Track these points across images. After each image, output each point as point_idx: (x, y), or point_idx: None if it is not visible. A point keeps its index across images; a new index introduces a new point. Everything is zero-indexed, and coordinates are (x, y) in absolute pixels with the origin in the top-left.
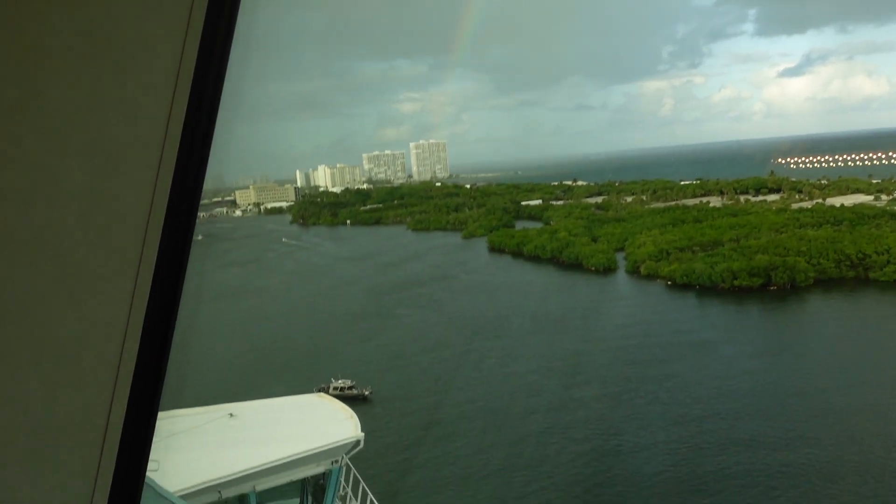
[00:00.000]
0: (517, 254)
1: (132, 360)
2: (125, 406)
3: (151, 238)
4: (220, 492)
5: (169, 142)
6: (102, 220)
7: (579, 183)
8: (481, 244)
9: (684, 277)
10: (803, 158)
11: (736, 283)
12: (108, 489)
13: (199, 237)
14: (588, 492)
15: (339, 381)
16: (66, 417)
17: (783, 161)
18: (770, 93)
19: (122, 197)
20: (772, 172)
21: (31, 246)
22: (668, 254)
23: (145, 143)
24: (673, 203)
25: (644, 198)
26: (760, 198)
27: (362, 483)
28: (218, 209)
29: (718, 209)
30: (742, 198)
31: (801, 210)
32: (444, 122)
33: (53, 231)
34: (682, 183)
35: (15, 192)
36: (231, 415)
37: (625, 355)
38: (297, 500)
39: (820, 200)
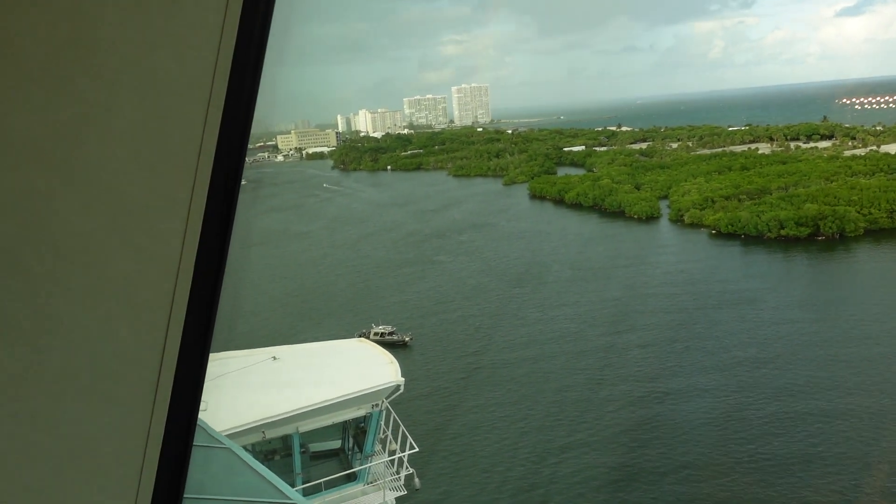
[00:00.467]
0: (558, 201)
1: (185, 297)
2: (179, 343)
3: (202, 174)
4: (264, 432)
5: (218, 79)
6: (154, 157)
7: (623, 129)
8: (522, 191)
9: (729, 226)
10: (862, 99)
11: (783, 232)
12: (163, 425)
13: (244, 182)
14: (632, 436)
15: (380, 327)
16: (122, 353)
17: (841, 102)
18: (826, 34)
19: (173, 134)
20: (825, 118)
21: (85, 183)
22: (713, 202)
23: (195, 81)
24: (720, 150)
25: (690, 144)
26: (811, 144)
27: (402, 426)
28: (260, 154)
29: (767, 156)
30: (792, 144)
31: (853, 157)
32: (486, 65)
33: (106, 168)
34: (730, 129)
35: (68, 129)
36: (274, 358)
37: (667, 304)
38: (339, 441)
39: (874, 147)
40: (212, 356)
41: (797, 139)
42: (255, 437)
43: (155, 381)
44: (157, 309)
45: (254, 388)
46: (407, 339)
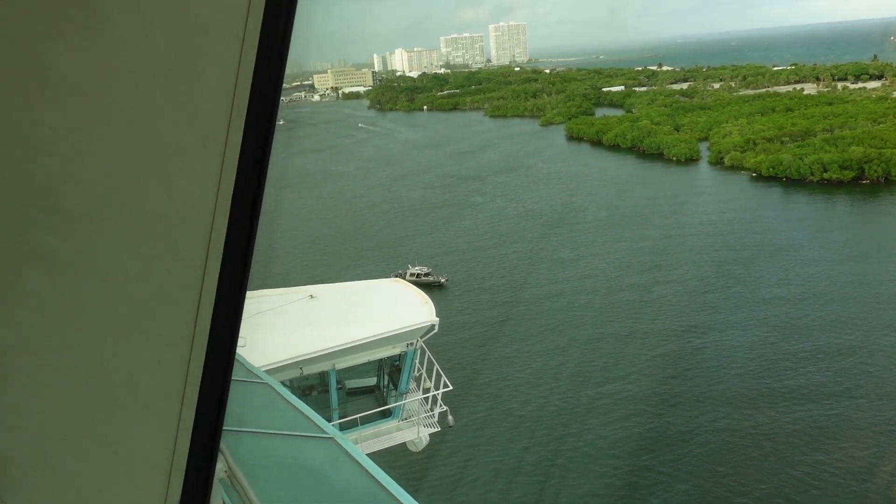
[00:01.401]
0: (596, 142)
1: (222, 236)
2: (216, 280)
3: (237, 113)
4: (301, 369)
5: (252, 14)
6: (188, 96)
7: (664, 68)
8: (559, 132)
9: (770, 169)
10: None
11: (826, 175)
12: (202, 361)
13: (281, 122)
14: (669, 384)
15: (416, 268)
16: (160, 291)
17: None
18: None
19: (208, 72)
20: (875, 57)
21: (120, 121)
22: (754, 144)
23: (229, 17)
24: (763, 90)
25: (733, 84)
26: (860, 85)
27: (436, 365)
28: (296, 94)
29: (813, 97)
30: (840, 85)
31: None
32: (524, 2)
33: (142, 106)
34: (776, 69)
35: (103, 66)
36: (311, 296)
37: (705, 251)
38: (374, 379)
39: None
40: (249, 294)
41: (845, 79)
42: (293, 373)
43: (193, 317)
44: (195, 247)
45: (291, 325)
46: (443, 280)
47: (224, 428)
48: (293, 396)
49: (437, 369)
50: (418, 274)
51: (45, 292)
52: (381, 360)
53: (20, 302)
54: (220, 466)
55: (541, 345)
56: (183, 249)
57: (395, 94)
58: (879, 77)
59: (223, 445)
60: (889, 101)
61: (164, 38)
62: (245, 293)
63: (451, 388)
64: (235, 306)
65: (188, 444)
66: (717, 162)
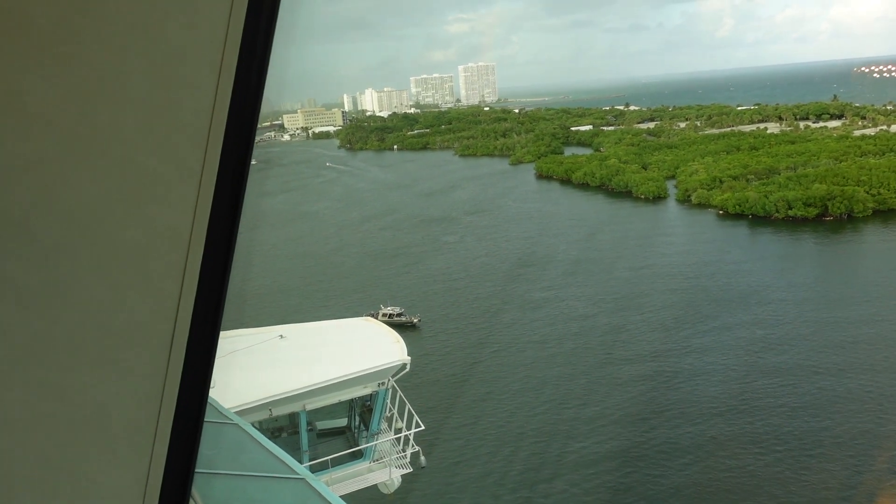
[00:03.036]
0: (565, 181)
1: (197, 267)
2: (191, 313)
3: (213, 143)
4: (271, 410)
5: (229, 47)
6: (164, 127)
7: (631, 108)
8: (529, 171)
9: (737, 207)
10: (881, 67)
11: (790, 212)
12: (176, 393)
13: (254, 162)
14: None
15: (388, 308)
16: (134, 322)
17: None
18: (837, 12)
19: (184, 104)
20: (835, 97)
21: (96, 151)
22: (721, 182)
23: (206, 50)
24: (728, 129)
25: (698, 124)
26: (821, 124)
27: (408, 405)
28: (266, 133)
29: (776, 136)
30: (802, 124)
31: (863, 137)
32: (493, 44)
33: (118, 137)
34: (739, 108)
35: (79, 97)
36: (282, 336)
37: (674, 284)
38: (346, 420)
39: (885, 127)
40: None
41: (807, 118)
42: (263, 415)
43: (167, 352)
44: (169, 278)
45: (261, 365)
46: (415, 320)
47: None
48: (264, 437)
49: (408, 409)
50: (391, 314)
51: (14, 323)
52: (352, 400)
53: None
54: None
55: (513, 385)
56: (157, 280)
57: (365, 133)
58: (840, 116)
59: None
60: (850, 139)
61: (141, 67)
62: (220, 324)
63: (422, 427)
64: (210, 338)
65: (161, 481)
66: (684, 200)
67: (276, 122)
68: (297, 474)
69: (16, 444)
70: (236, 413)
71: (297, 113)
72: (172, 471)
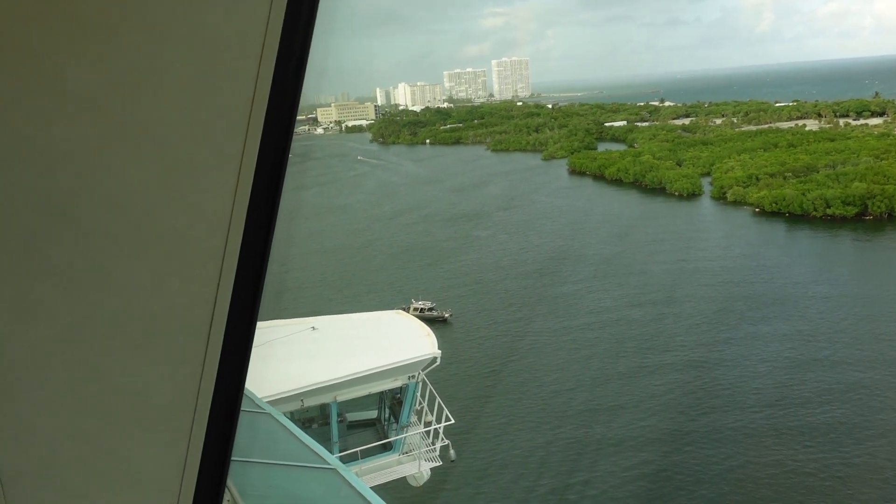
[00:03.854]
0: (598, 177)
1: (236, 252)
2: (229, 297)
3: (253, 129)
4: (302, 401)
5: (270, 33)
6: (205, 113)
7: (666, 104)
8: (562, 166)
9: (773, 205)
10: None
11: (829, 211)
12: (214, 377)
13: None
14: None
15: (420, 303)
16: (173, 307)
17: None
18: (882, 7)
19: (224, 90)
20: (877, 94)
21: (137, 138)
22: (757, 179)
23: (247, 36)
24: (766, 126)
25: (735, 120)
26: (862, 121)
27: (438, 398)
28: (300, 127)
29: (815, 133)
30: (842, 121)
31: None
32: (527, 38)
33: (159, 123)
34: (777, 105)
35: (122, 83)
36: (314, 328)
37: (709, 282)
38: (375, 412)
39: None
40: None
41: (847, 116)
42: (294, 405)
43: (205, 338)
44: (209, 263)
45: (293, 356)
46: (447, 315)
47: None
48: (296, 427)
49: (438, 402)
50: (422, 308)
51: (57, 306)
52: (382, 392)
53: (33, 316)
54: (224, 497)
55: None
56: (197, 265)
57: (397, 127)
58: (881, 114)
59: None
60: (891, 137)
61: (183, 53)
62: (257, 311)
63: (452, 421)
64: (248, 324)
65: (199, 462)
66: (719, 197)
67: (310, 116)
68: (329, 464)
69: (59, 425)
70: (269, 403)
71: (330, 107)
72: (209, 456)
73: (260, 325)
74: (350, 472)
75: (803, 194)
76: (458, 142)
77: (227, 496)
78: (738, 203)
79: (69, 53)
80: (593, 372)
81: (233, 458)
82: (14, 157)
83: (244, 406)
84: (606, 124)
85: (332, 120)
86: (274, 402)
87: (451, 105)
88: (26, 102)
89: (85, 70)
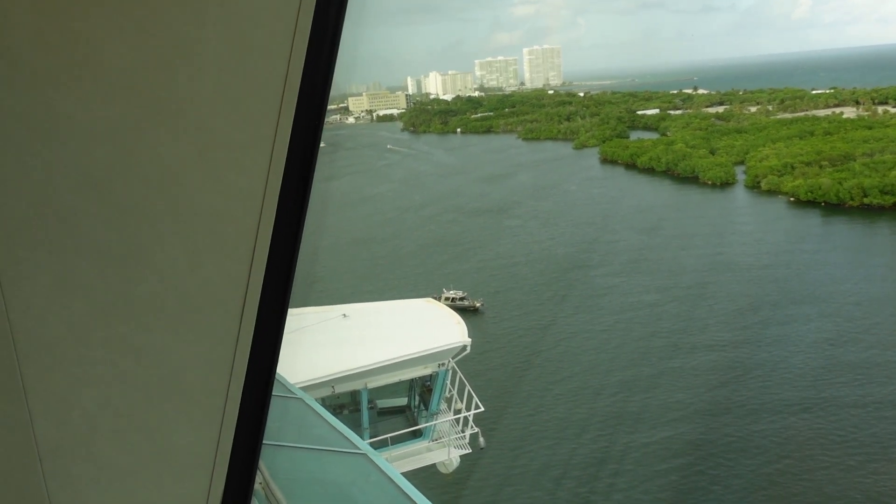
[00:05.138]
0: (630, 165)
1: (269, 231)
2: (262, 275)
3: (286, 109)
4: (333, 387)
5: (304, 8)
6: (239, 93)
7: (700, 91)
8: (593, 155)
9: (809, 194)
10: None
11: (866, 200)
12: (247, 356)
13: (322, 144)
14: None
15: (451, 292)
16: (208, 285)
17: None
18: None
19: (258, 67)
20: None
21: (173, 115)
22: (792, 168)
23: (280, 10)
24: (802, 114)
25: (770, 108)
26: None
27: (468, 386)
28: (332, 116)
29: (852, 121)
30: (880, 109)
31: None
32: (559, 26)
33: (194, 100)
34: (814, 92)
35: (157, 60)
36: (345, 315)
37: (744, 273)
38: (405, 399)
39: None
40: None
41: (885, 103)
42: (325, 392)
43: (238, 317)
44: (242, 242)
45: (324, 343)
46: (478, 304)
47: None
48: (326, 412)
49: (468, 390)
50: (453, 298)
51: (95, 284)
52: (412, 380)
53: (71, 293)
54: (256, 479)
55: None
56: (230, 244)
57: (428, 116)
58: None
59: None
60: None
61: (217, 32)
62: (290, 291)
63: (482, 409)
64: (280, 304)
65: (231, 442)
66: (753, 186)
67: (342, 105)
68: (359, 449)
69: (97, 400)
70: (301, 389)
71: (361, 96)
72: (242, 436)
73: (291, 311)
74: (380, 457)
75: (839, 183)
76: (489, 130)
77: (259, 478)
78: (772, 192)
79: (107, 33)
80: (621, 366)
81: (265, 442)
82: (52, 134)
83: (276, 391)
84: (639, 112)
85: (364, 109)
86: (305, 389)
87: (482, 94)
88: (64, 80)
89: (121, 47)
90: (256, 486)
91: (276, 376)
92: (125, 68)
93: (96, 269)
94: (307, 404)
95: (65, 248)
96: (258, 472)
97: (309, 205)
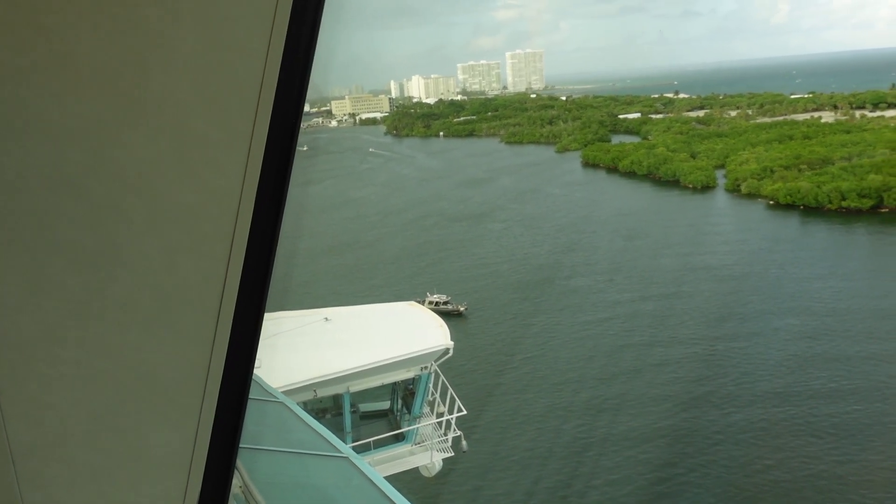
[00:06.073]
0: (612, 169)
1: (246, 230)
2: (239, 275)
3: (263, 107)
4: (315, 391)
5: (281, 7)
6: (215, 89)
7: (681, 96)
8: (575, 159)
9: (788, 197)
10: None
11: (844, 203)
12: (224, 356)
13: (304, 148)
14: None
15: (435, 296)
16: (184, 284)
17: None
18: None
19: (235, 65)
20: (893, 86)
21: (149, 113)
22: (771, 172)
23: (257, 9)
24: (781, 118)
25: (749, 112)
26: (878, 113)
27: (450, 390)
28: (314, 119)
29: (830, 125)
30: (858, 113)
31: None
32: (541, 30)
33: (170, 99)
34: (793, 97)
35: (133, 58)
36: (326, 319)
37: (723, 273)
38: (388, 403)
39: None
40: (265, 316)
41: (863, 108)
42: (307, 396)
43: (216, 312)
44: (219, 241)
45: (306, 347)
46: (462, 308)
47: (240, 445)
48: (308, 416)
49: (451, 394)
50: (437, 302)
51: (69, 283)
52: (394, 383)
53: (44, 292)
54: (235, 482)
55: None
56: (207, 243)
57: (411, 120)
58: None
59: (239, 462)
60: None
61: (193, 30)
62: (267, 291)
63: (465, 412)
64: (258, 304)
65: (208, 443)
66: (733, 189)
67: (324, 109)
68: (341, 453)
69: (71, 401)
70: (282, 393)
71: (344, 99)
72: (219, 437)
73: (273, 315)
74: (362, 461)
75: (818, 187)
76: (471, 134)
77: (238, 481)
78: (752, 195)
79: (81, 29)
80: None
81: (244, 446)
82: (25, 132)
83: (256, 394)
84: (620, 116)
85: (347, 112)
86: (287, 393)
87: (465, 97)
88: (37, 77)
89: (95, 43)
90: (236, 490)
91: (257, 380)
92: (99, 65)
93: (70, 269)
94: (288, 408)
95: (37, 247)
96: (238, 475)
97: (287, 207)
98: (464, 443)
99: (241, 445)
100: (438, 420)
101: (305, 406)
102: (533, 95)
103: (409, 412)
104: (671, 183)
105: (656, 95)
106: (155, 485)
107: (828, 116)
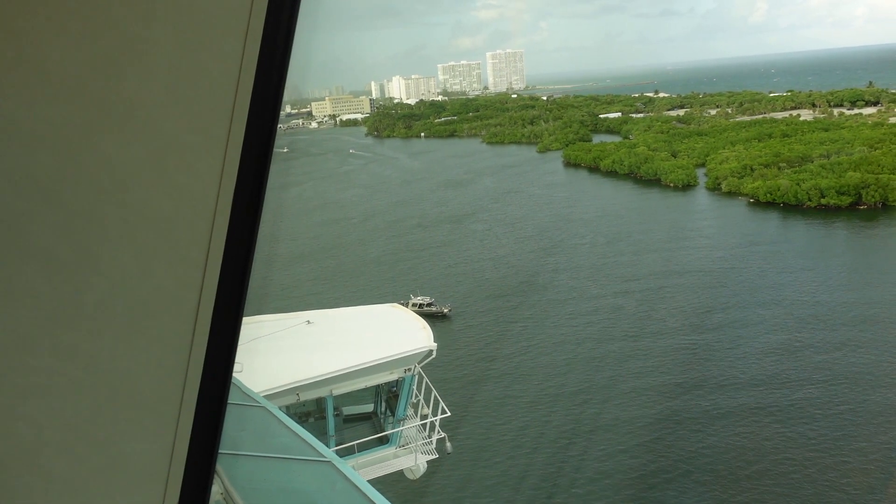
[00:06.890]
0: (593, 169)
1: (223, 235)
2: (217, 280)
3: (239, 110)
4: (298, 394)
5: (256, 9)
6: (190, 92)
7: (661, 95)
8: (557, 158)
9: (768, 195)
10: None
11: (823, 201)
12: (202, 362)
13: (285, 149)
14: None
15: (418, 298)
16: (160, 290)
17: None
18: None
19: (210, 68)
20: (870, 83)
21: (122, 117)
22: (752, 170)
23: (232, 11)
24: (760, 116)
25: (729, 111)
26: (856, 111)
27: (434, 391)
28: (294, 121)
29: (809, 123)
30: (836, 111)
31: None
32: (521, 30)
33: (144, 103)
34: (772, 95)
35: (106, 61)
36: (309, 322)
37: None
38: (372, 405)
39: None
40: (246, 319)
41: (841, 105)
42: (290, 399)
43: (193, 317)
44: (195, 246)
45: (288, 351)
46: (446, 310)
47: (221, 451)
48: (290, 420)
49: (434, 395)
50: (420, 304)
51: (42, 290)
52: (378, 386)
53: (17, 299)
54: (216, 489)
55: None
56: (183, 248)
57: (392, 121)
58: (875, 103)
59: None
60: (885, 126)
61: (167, 32)
62: (245, 295)
63: (448, 414)
64: (235, 309)
65: (186, 450)
66: (714, 188)
67: (305, 110)
68: (324, 457)
69: (44, 410)
70: (264, 397)
71: (324, 100)
72: (198, 444)
73: (255, 319)
74: (346, 465)
75: (798, 184)
76: (452, 135)
77: (219, 488)
78: (732, 194)
79: (52, 32)
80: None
81: (226, 451)
82: None
83: (238, 399)
84: (601, 116)
85: (327, 114)
86: (269, 397)
87: (446, 98)
88: (7, 82)
89: (68, 49)
90: (218, 496)
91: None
92: (71, 68)
93: (43, 275)
94: (270, 412)
95: (9, 253)
96: (219, 482)
97: (267, 210)
98: (448, 444)
99: (221, 452)
100: (422, 422)
101: (288, 410)
102: (514, 95)
103: (393, 415)
104: (652, 182)
105: (637, 95)
106: (132, 495)
107: (806, 114)
